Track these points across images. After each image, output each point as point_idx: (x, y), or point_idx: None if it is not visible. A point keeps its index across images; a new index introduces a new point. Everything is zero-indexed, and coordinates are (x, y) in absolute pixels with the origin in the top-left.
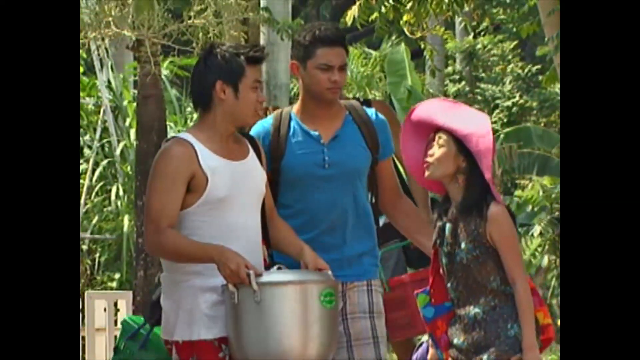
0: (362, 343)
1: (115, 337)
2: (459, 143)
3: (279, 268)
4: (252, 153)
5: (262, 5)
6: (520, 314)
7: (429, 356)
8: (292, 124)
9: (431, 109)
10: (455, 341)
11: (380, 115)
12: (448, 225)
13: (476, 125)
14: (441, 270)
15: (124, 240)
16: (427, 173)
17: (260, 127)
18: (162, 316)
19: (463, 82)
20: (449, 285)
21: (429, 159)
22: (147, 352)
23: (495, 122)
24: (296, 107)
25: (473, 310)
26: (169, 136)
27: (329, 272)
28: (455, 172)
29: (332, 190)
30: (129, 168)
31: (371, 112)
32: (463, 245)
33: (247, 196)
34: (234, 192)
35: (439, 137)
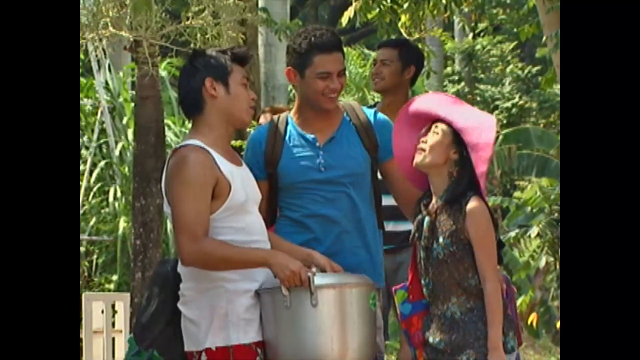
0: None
1: (113, 339)
2: (456, 135)
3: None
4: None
5: (260, 6)
6: (488, 313)
7: (402, 354)
8: (289, 128)
9: (432, 102)
10: (430, 340)
11: (381, 115)
12: (427, 219)
13: (481, 120)
14: (418, 267)
15: (121, 242)
16: (417, 159)
17: (257, 132)
18: (183, 329)
19: (462, 83)
20: (423, 281)
21: (422, 145)
22: None
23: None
24: (293, 111)
25: (449, 309)
26: (166, 138)
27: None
28: (443, 164)
29: (331, 195)
30: (126, 169)
31: (370, 112)
32: (440, 240)
33: (254, 200)
34: (248, 196)
35: (436, 127)
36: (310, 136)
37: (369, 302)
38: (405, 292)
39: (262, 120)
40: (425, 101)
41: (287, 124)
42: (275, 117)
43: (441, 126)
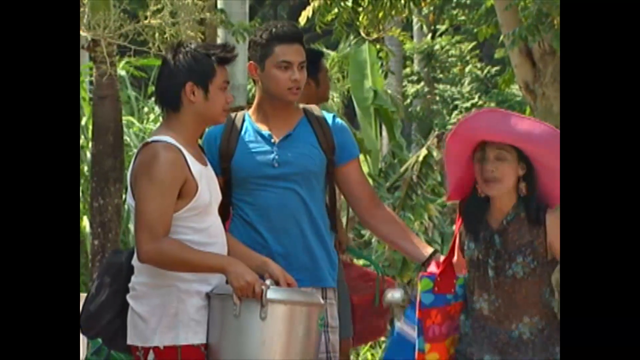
0: (315, 358)
1: None
2: (519, 152)
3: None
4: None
5: (218, 6)
6: None
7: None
8: (246, 124)
9: (475, 124)
10: (485, 357)
11: (339, 120)
12: (496, 237)
13: (542, 137)
14: (476, 283)
15: (80, 242)
16: (493, 191)
17: (213, 128)
18: (130, 322)
19: (421, 83)
20: (487, 297)
21: (494, 175)
22: None
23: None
24: (252, 109)
25: (519, 329)
26: (125, 137)
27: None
28: (515, 183)
29: (282, 191)
30: (85, 169)
31: (329, 115)
32: (520, 259)
33: (216, 202)
34: (211, 197)
35: (500, 153)
36: (266, 132)
37: (317, 323)
38: (431, 281)
39: None
40: (468, 126)
41: (244, 120)
42: (232, 114)
43: (504, 151)
